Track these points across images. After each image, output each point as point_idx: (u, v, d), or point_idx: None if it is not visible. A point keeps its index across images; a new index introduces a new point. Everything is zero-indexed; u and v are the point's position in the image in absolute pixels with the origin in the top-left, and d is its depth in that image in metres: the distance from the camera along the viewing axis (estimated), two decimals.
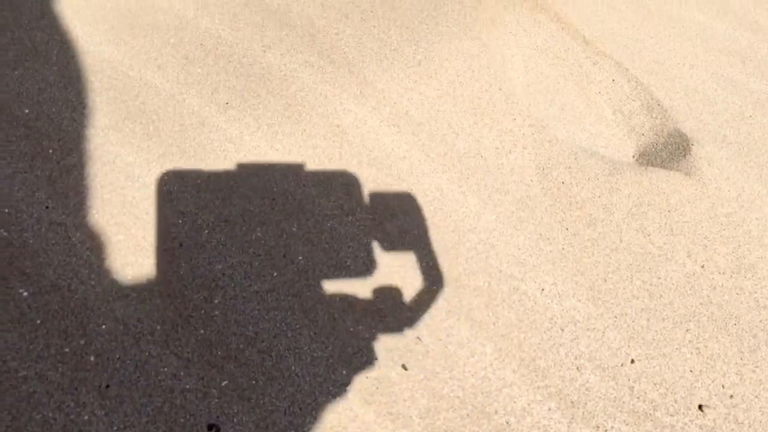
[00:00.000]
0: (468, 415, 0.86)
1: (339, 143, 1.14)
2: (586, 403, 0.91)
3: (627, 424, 0.90)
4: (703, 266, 1.11)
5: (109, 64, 1.14)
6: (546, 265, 1.06)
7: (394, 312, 0.95)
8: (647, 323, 1.02)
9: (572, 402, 0.91)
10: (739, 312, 1.06)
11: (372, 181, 1.10)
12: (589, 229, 1.13)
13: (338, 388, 0.86)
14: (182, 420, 0.79)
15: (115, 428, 0.76)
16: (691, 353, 1.00)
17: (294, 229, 1.00)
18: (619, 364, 0.96)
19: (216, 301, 0.90)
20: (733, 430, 0.92)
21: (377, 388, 0.87)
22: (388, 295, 0.96)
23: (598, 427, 0.89)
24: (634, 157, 1.32)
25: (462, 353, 0.93)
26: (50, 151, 0.99)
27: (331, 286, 0.95)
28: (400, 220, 1.06)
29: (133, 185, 0.99)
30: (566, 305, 1.02)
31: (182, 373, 0.82)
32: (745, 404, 0.95)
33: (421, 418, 0.85)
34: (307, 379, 0.86)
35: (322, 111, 1.18)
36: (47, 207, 0.93)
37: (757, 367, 1.00)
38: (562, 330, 0.98)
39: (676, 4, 1.68)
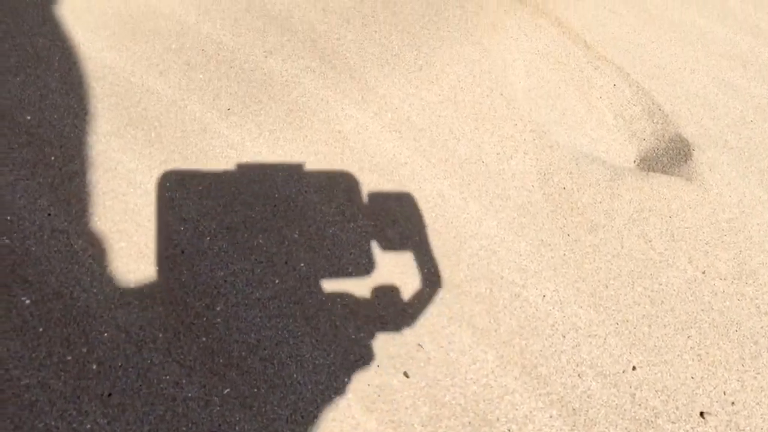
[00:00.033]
0: (470, 422, 0.87)
1: (340, 149, 1.14)
2: (587, 411, 0.91)
3: None
4: (704, 272, 1.11)
5: (111, 70, 1.14)
6: (547, 271, 1.06)
7: (396, 319, 0.95)
8: (649, 330, 1.02)
9: (574, 409, 0.91)
10: (741, 318, 1.06)
11: (373, 187, 1.10)
12: (590, 235, 1.13)
13: (340, 395, 0.86)
14: (184, 428, 0.79)
15: None
16: (693, 360, 1.00)
17: (296, 236, 1.01)
18: (621, 371, 0.96)
19: (218, 309, 0.90)
20: None
21: (379, 395, 0.87)
22: (389, 302, 0.96)
23: None
24: (635, 162, 1.32)
25: (464, 360, 0.93)
26: (52, 158, 0.99)
27: (333, 293, 0.95)
28: (401, 227, 1.06)
29: (135, 192, 0.99)
30: (568, 312, 1.02)
31: (184, 381, 0.82)
32: (747, 411, 0.95)
33: (422, 426, 0.85)
34: (309, 386, 0.86)
35: (323, 116, 1.18)
36: (49, 214, 0.93)
37: (758, 373, 1.00)
38: (564, 337, 0.99)
39: (677, 8, 1.69)
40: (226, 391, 0.83)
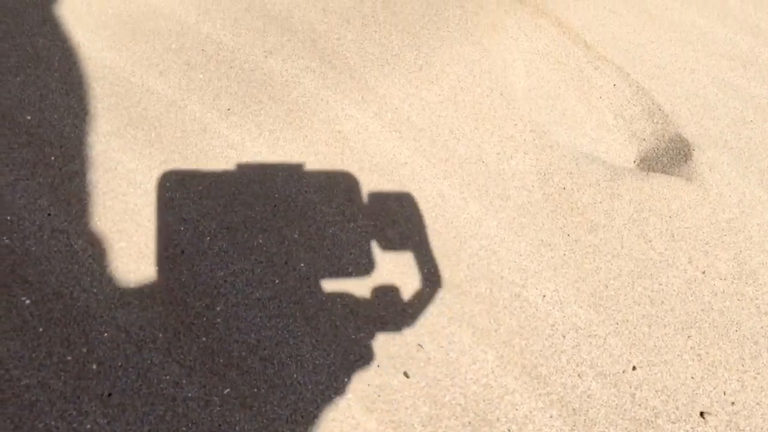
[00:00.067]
0: (470, 422, 0.87)
1: (340, 149, 1.14)
2: (587, 411, 0.91)
3: None
4: (704, 272, 1.11)
5: (111, 70, 1.14)
6: (547, 271, 1.06)
7: (396, 319, 0.95)
8: (649, 330, 1.02)
9: (574, 409, 0.91)
10: (741, 318, 1.06)
11: (374, 188, 1.10)
12: (590, 235, 1.13)
13: (340, 395, 0.86)
14: (184, 428, 0.79)
15: None
16: (693, 360, 1.00)
17: (296, 236, 1.01)
18: (621, 371, 0.96)
19: (218, 309, 0.90)
20: None
21: (379, 395, 0.87)
22: (389, 302, 0.96)
23: None
24: (635, 162, 1.32)
25: (464, 360, 0.93)
26: (52, 158, 0.99)
27: (333, 293, 0.95)
28: (401, 227, 1.06)
29: (135, 192, 0.99)
30: (568, 312, 1.02)
31: (184, 381, 0.82)
32: (747, 411, 0.95)
33: (422, 426, 0.85)
34: (309, 386, 0.86)
35: (323, 117, 1.18)
36: (49, 214, 0.93)
37: (758, 373, 1.00)
38: (564, 337, 0.99)
39: (677, 8, 1.69)
40: (226, 391, 0.83)
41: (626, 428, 0.90)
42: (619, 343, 0.99)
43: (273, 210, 1.03)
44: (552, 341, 0.98)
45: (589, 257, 1.09)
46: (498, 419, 0.88)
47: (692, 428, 0.92)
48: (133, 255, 0.92)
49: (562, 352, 0.97)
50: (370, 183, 1.10)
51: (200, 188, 1.02)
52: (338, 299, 0.95)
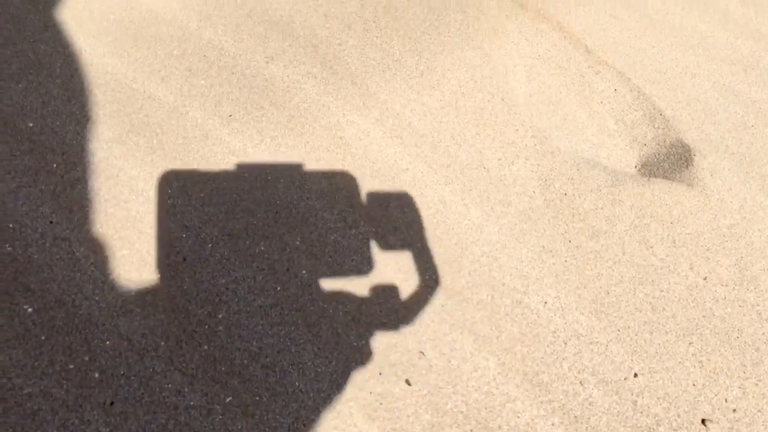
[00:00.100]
0: (472, 430, 0.87)
1: (342, 155, 1.14)
2: (589, 418, 0.91)
3: None
4: (705, 278, 1.11)
5: (113, 76, 1.14)
6: (549, 277, 1.06)
7: (398, 326, 0.95)
8: (650, 336, 1.02)
9: (575, 417, 0.91)
10: (742, 325, 1.06)
11: (375, 194, 1.10)
12: (591, 241, 1.13)
13: (342, 404, 0.86)
14: None
15: None
16: (694, 367, 1.00)
17: (297, 243, 1.01)
18: (623, 378, 0.96)
19: (220, 316, 0.90)
20: None
21: (381, 403, 0.87)
22: (391, 309, 0.97)
23: None
24: (636, 167, 1.32)
25: (465, 368, 0.93)
26: (54, 165, 0.99)
27: (335, 300, 0.95)
28: (403, 233, 1.06)
29: (137, 199, 0.99)
30: (569, 318, 1.02)
31: (186, 390, 0.82)
32: (748, 418, 0.95)
33: None
34: (311, 394, 0.86)
35: (325, 123, 1.18)
36: (51, 221, 0.93)
37: (760, 380, 1.00)
38: (565, 344, 0.99)
39: (678, 13, 1.69)
40: (228, 400, 0.83)
41: None
42: (621, 350, 0.99)
43: (275, 217, 1.03)
44: (554, 348, 0.98)
45: (590, 263, 1.09)
46: (500, 427, 0.88)
47: None
48: (135, 262, 0.93)
49: (563, 359, 0.97)
50: (371, 189, 1.10)
51: (202, 195, 1.02)
52: (340, 306, 0.95)
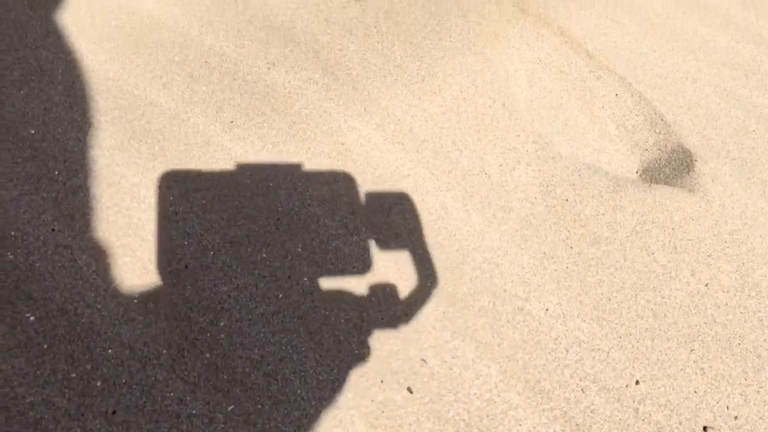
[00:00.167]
0: None
1: (343, 161, 1.14)
2: (591, 426, 0.91)
3: None
4: (707, 285, 1.11)
5: (115, 82, 1.14)
6: (550, 284, 1.06)
7: (399, 333, 0.95)
8: (652, 343, 1.02)
9: (577, 425, 0.91)
10: (744, 331, 1.06)
11: (377, 200, 1.10)
12: (593, 247, 1.13)
13: (344, 412, 0.86)
14: None
15: None
16: (696, 374, 1.00)
17: (299, 250, 1.01)
18: (624, 386, 0.96)
19: (222, 324, 0.90)
20: None
21: (383, 411, 0.87)
22: (393, 316, 0.97)
23: None
24: (637, 173, 1.32)
25: (467, 375, 0.93)
26: (56, 172, 0.99)
27: (336, 308, 0.96)
28: (404, 240, 1.06)
29: (138, 206, 0.99)
30: (571, 325, 1.02)
31: (188, 398, 0.82)
32: (750, 425, 0.95)
33: None
34: (313, 402, 0.86)
35: (326, 129, 1.18)
36: (53, 229, 0.93)
37: (761, 387, 1.00)
38: (567, 351, 0.99)
39: (679, 17, 1.69)
40: (230, 408, 0.83)
41: None
42: (623, 357, 0.99)
43: (276, 223, 1.03)
44: (555, 355, 0.98)
45: (592, 270, 1.09)
46: None
47: None
48: (137, 270, 0.93)
49: (565, 366, 0.97)
50: (373, 195, 1.10)
51: (204, 202, 1.02)
52: (342, 314, 0.95)
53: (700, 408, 0.96)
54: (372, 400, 0.87)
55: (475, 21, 1.48)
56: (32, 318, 0.85)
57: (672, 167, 1.32)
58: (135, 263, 0.93)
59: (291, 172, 1.10)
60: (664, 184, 1.28)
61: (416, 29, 1.42)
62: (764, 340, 1.06)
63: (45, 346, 0.83)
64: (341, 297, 0.97)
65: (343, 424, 0.85)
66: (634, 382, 0.97)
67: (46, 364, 0.81)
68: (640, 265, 1.11)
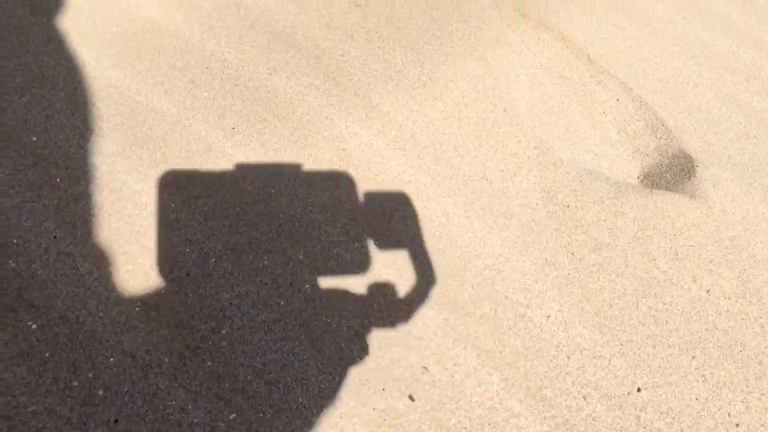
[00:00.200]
0: None
1: (345, 168, 1.14)
2: None
3: None
4: (708, 291, 1.11)
5: (116, 89, 1.14)
6: (552, 291, 1.06)
7: (401, 341, 0.95)
8: (653, 350, 1.02)
9: None
10: (745, 338, 1.06)
11: (378, 207, 1.10)
12: (594, 253, 1.13)
13: (346, 420, 0.86)
14: None
15: None
16: (697, 381, 1.00)
17: (300, 257, 1.01)
18: (626, 393, 0.96)
19: (223, 332, 0.90)
20: None
21: (384, 419, 0.87)
22: (394, 323, 0.97)
23: None
24: (638, 178, 1.32)
25: (469, 383, 0.93)
26: (58, 179, 0.99)
27: (338, 315, 0.96)
28: (406, 246, 1.06)
29: (140, 214, 0.99)
30: (572, 332, 1.02)
31: (190, 407, 0.82)
32: None
33: None
34: (315, 411, 0.86)
35: (327, 135, 1.18)
36: (55, 237, 0.93)
37: (762, 394, 1.00)
38: (569, 358, 0.99)
39: (680, 22, 1.69)
40: (232, 417, 0.83)
41: None
42: (624, 364, 0.99)
43: (278, 230, 1.03)
44: (557, 362, 0.98)
45: (593, 276, 1.09)
46: None
47: None
48: (138, 277, 0.93)
49: (567, 373, 0.97)
50: (374, 202, 1.10)
51: (205, 209, 1.02)
52: (343, 321, 0.95)
53: (701, 415, 0.96)
54: (374, 408, 0.87)
55: (476, 26, 1.49)
56: (34, 326, 0.85)
57: (673, 173, 1.32)
58: (137, 271, 0.93)
59: (292, 178, 1.10)
60: (666, 189, 1.28)
61: (417, 34, 1.42)
62: (766, 347, 1.06)
63: (47, 355, 0.83)
64: (343, 304, 0.97)
65: None
66: (636, 389, 0.97)
67: (47, 373, 0.82)
68: (641, 272, 1.12)
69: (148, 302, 0.90)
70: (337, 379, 0.89)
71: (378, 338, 0.94)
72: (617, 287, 1.09)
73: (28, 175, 0.99)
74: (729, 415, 0.97)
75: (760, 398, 0.99)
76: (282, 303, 0.95)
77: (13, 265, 0.90)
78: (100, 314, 0.88)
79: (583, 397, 0.95)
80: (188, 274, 0.95)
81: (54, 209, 0.96)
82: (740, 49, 1.65)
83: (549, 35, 1.53)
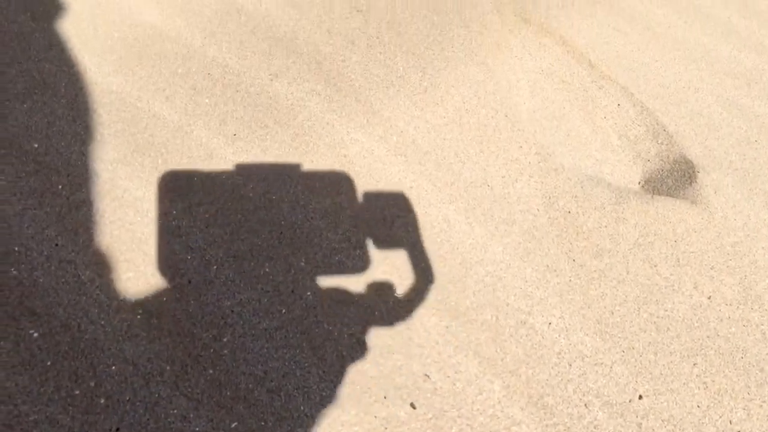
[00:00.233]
0: None
1: (346, 174, 1.14)
2: None
3: None
4: (709, 297, 1.11)
5: (118, 95, 1.14)
6: (553, 297, 1.06)
7: (403, 348, 0.95)
8: (654, 357, 1.02)
9: None
10: (746, 345, 1.06)
11: (379, 213, 1.10)
12: (595, 260, 1.13)
13: (347, 428, 0.86)
14: None
15: None
16: (699, 388, 1.00)
17: (302, 264, 1.01)
18: (627, 401, 0.96)
19: (225, 340, 0.90)
20: None
21: (386, 428, 0.87)
22: (396, 330, 0.97)
23: None
24: (640, 184, 1.32)
25: (470, 391, 0.93)
26: (59, 186, 1.00)
27: (339, 322, 0.96)
28: (407, 253, 1.06)
29: (142, 221, 0.99)
30: (573, 339, 1.02)
31: (192, 415, 0.82)
32: None
33: None
34: (316, 419, 0.86)
35: (329, 141, 1.18)
36: (57, 244, 0.93)
37: (764, 402, 1.00)
38: (570, 365, 0.99)
39: (681, 26, 1.69)
40: (233, 425, 0.83)
41: None
42: (626, 371, 0.99)
43: (279, 237, 1.03)
44: (558, 370, 0.98)
45: (594, 283, 1.09)
46: None
47: None
48: (140, 285, 0.93)
49: (568, 381, 0.97)
50: (375, 208, 1.10)
51: (206, 216, 1.02)
52: (345, 329, 0.95)
53: (703, 423, 0.96)
54: (375, 416, 0.87)
55: (477, 31, 1.49)
56: (36, 334, 0.85)
57: (674, 178, 1.32)
58: (138, 278, 0.93)
59: (294, 185, 1.10)
60: (667, 195, 1.28)
61: (418, 40, 1.42)
62: (767, 354, 1.05)
63: (48, 363, 0.83)
64: (344, 311, 0.97)
65: None
66: (638, 396, 0.97)
67: (49, 381, 0.82)
68: (642, 278, 1.11)
69: (149, 310, 0.90)
70: (338, 387, 0.89)
71: (379, 346, 0.94)
72: (619, 294, 1.09)
73: (29, 182, 0.99)
74: (730, 423, 0.97)
75: (761, 405, 0.99)
76: (283, 310, 0.95)
77: (14, 272, 0.90)
78: (102, 322, 0.88)
79: (585, 404, 0.95)
80: (190, 282, 0.95)
81: (55, 216, 0.96)
82: (741, 54, 1.65)
83: (550, 40, 1.53)
